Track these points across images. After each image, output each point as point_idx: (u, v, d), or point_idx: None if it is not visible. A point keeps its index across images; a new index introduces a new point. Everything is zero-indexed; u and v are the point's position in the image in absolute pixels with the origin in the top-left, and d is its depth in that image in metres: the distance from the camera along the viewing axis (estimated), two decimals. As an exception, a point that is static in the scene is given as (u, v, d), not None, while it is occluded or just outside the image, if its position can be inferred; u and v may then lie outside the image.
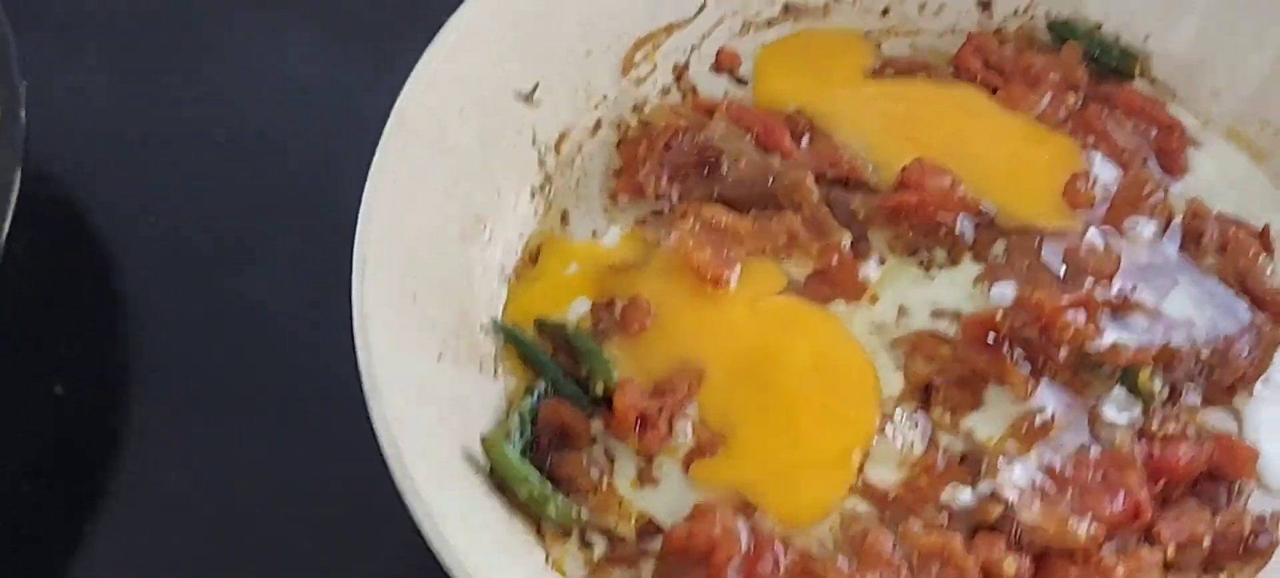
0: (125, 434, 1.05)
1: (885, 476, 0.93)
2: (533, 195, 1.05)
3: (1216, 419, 0.97)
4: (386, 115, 0.95)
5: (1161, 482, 0.93)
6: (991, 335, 0.97)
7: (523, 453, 0.92)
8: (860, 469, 0.93)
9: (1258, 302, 1.01)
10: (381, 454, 0.83)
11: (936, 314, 0.99)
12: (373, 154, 0.93)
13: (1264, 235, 1.04)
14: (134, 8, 1.28)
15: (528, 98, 1.04)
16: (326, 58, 1.23)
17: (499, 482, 0.90)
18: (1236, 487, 0.94)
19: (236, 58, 1.24)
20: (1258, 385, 0.99)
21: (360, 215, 0.90)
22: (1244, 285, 1.02)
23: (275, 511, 1.02)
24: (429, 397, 0.89)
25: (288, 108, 1.21)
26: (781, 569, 0.89)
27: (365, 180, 0.92)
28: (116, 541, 1.01)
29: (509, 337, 0.98)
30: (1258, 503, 0.94)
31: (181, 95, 1.22)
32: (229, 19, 1.27)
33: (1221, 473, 0.94)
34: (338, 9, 1.27)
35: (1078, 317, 0.97)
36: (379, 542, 0.99)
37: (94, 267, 1.13)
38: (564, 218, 1.05)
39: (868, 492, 0.93)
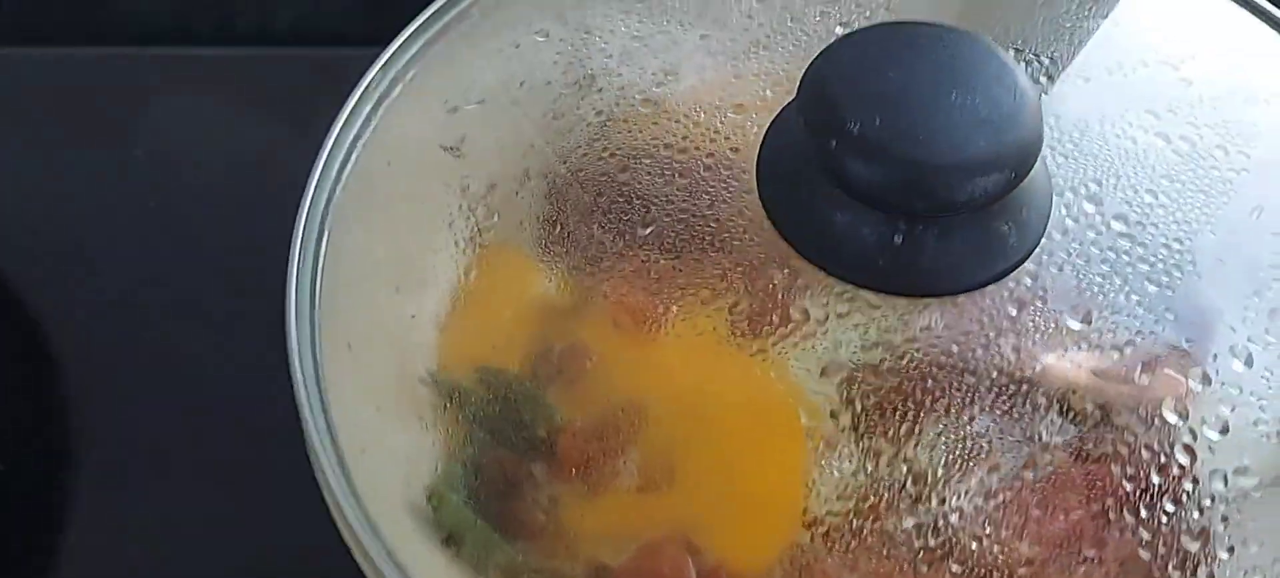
0: (68, 511, 1.03)
1: (827, 507, 0.94)
2: (464, 247, 1.04)
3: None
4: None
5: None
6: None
7: (465, 503, 0.91)
8: (802, 506, 0.93)
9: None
10: (330, 514, 0.82)
11: (873, 345, 1.00)
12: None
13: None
14: (50, 88, 1.26)
15: (454, 149, 1.04)
16: (247, 124, 1.22)
17: (445, 536, 0.89)
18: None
19: (155, 131, 1.23)
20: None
21: (289, 271, 0.89)
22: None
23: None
24: (373, 452, 0.88)
25: (213, 171, 1.20)
26: (733, 605, 0.89)
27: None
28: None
29: (447, 389, 0.97)
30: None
31: (104, 167, 1.21)
32: (142, 94, 1.26)
33: (1161, 488, 0.96)
34: (250, 81, 1.27)
35: (1011, 343, 0.98)
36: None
37: (26, 336, 1.10)
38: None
39: (811, 523, 0.93)
